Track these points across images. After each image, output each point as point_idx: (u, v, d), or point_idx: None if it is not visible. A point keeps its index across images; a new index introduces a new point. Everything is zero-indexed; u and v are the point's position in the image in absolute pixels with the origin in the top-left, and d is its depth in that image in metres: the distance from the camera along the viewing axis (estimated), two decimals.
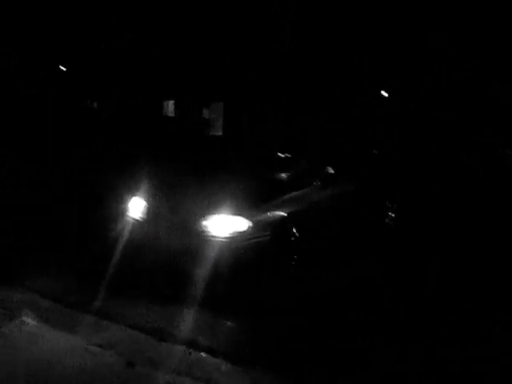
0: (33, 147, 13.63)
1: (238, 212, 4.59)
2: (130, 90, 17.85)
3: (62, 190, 9.03)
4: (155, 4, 16.22)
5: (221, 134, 17.93)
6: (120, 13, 16.45)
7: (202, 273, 4.38)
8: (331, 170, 5.81)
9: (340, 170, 5.92)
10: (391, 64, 15.81)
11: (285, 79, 15.33)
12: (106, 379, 3.06)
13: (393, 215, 7.04)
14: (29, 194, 8.43)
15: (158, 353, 3.37)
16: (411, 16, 15.23)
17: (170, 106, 20.25)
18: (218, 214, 4.59)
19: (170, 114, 20.19)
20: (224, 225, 4.53)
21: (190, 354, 3.36)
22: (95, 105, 19.58)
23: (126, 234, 4.95)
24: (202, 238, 4.50)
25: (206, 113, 19.36)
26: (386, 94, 16.55)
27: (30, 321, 3.74)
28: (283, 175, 5.75)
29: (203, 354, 3.36)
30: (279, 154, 6.27)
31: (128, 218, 5.07)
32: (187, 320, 3.94)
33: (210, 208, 4.64)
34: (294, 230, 5.07)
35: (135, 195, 5.21)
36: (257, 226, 4.58)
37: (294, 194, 5.25)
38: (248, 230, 4.52)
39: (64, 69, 18.05)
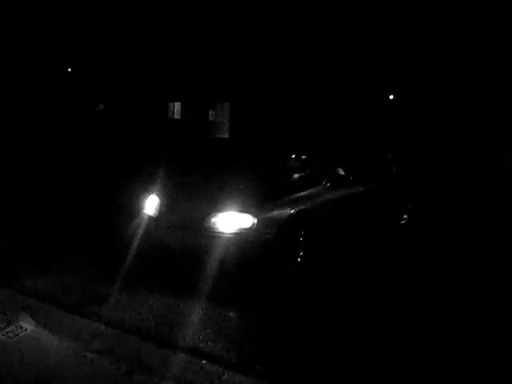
0: (33, 147, 13.65)
1: (244, 209, 4.84)
2: (135, 92, 17.87)
3: (62, 189, 9.04)
4: (159, 6, 16.23)
5: (227, 136, 17.98)
6: (125, 14, 16.46)
7: (209, 267, 4.66)
8: (342, 172, 5.86)
9: (350, 171, 5.96)
10: (391, 64, 15.81)
11: (286, 79, 15.33)
12: None
13: (407, 217, 7.06)
14: (29, 193, 8.44)
15: (158, 360, 3.29)
16: (411, 16, 15.24)
17: (176, 108, 20.23)
18: (225, 211, 4.87)
19: (177, 117, 20.18)
20: (230, 221, 4.79)
21: (190, 362, 3.28)
22: (101, 106, 19.60)
23: (141, 229, 5.32)
24: (209, 233, 4.80)
25: (212, 114, 19.36)
26: (391, 97, 16.54)
27: (27, 326, 3.68)
28: (291, 175, 5.92)
29: (204, 362, 3.28)
30: (292, 156, 6.43)
31: (143, 215, 5.43)
32: (188, 323, 3.89)
33: (217, 205, 4.95)
34: (300, 229, 5.19)
35: (151, 193, 5.57)
36: (262, 223, 4.80)
37: (300, 193, 5.35)
38: (253, 226, 4.76)
39: (66, 69, 18.06)
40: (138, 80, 17.42)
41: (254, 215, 4.79)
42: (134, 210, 5.67)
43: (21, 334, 3.58)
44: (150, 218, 5.32)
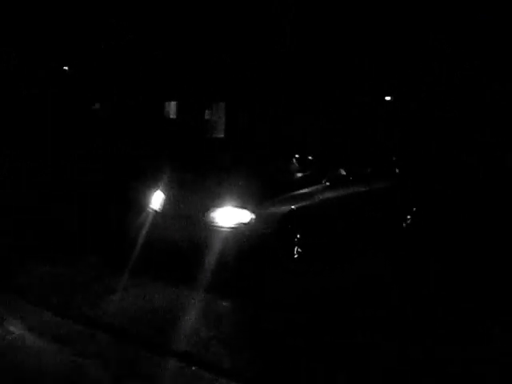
0: (33, 147, 13.64)
1: (243, 205, 5.08)
2: (131, 91, 17.83)
3: (62, 189, 9.04)
4: (156, 4, 16.21)
5: (223, 135, 17.97)
6: (121, 13, 16.44)
7: (209, 259, 4.88)
8: (343, 172, 5.98)
9: (351, 172, 6.08)
10: (391, 64, 15.81)
11: (286, 79, 15.33)
12: None
13: (410, 218, 7.05)
14: (29, 193, 8.44)
15: (149, 366, 3.22)
16: (411, 16, 15.23)
17: (172, 108, 20.16)
18: (224, 206, 5.12)
19: (172, 116, 20.12)
20: (229, 216, 5.05)
21: (182, 368, 3.21)
22: (97, 105, 19.55)
23: (147, 223, 5.60)
24: (209, 227, 5.07)
25: (208, 114, 19.31)
26: (391, 97, 16.54)
27: (15, 329, 3.63)
28: (291, 174, 6.06)
29: (195, 368, 3.18)
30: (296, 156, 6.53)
31: (149, 210, 5.72)
32: (180, 327, 3.80)
33: (217, 201, 5.20)
34: (297, 226, 5.30)
35: (157, 189, 5.85)
36: (259, 218, 5.03)
37: (299, 191, 5.50)
38: (251, 221, 5.00)
39: (65, 68, 18.02)
40: (134, 79, 17.37)
41: (252, 211, 5.01)
42: (141, 205, 5.96)
43: (9, 338, 3.53)
44: (156, 212, 5.61)
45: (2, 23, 15.52)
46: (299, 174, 5.99)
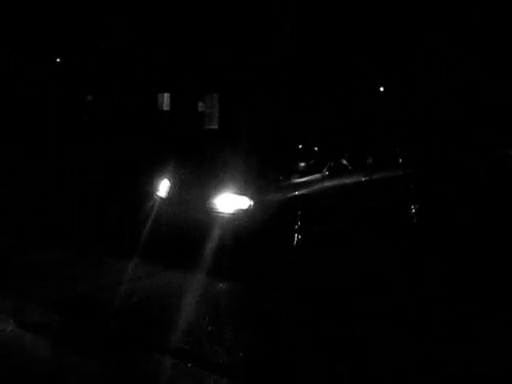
0: (33, 147, 13.64)
1: (242, 192, 5.30)
2: (123, 82, 17.72)
3: (62, 189, 9.04)
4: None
5: (217, 127, 17.97)
6: (114, 5, 16.37)
7: (210, 244, 5.11)
8: (345, 162, 6.12)
9: (353, 162, 6.22)
10: (391, 64, 15.80)
11: (285, 79, 15.33)
12: None
13: (415, 211, 7.06)
14: (29, 193, 8.44)
15: (146, 361, 3.19)
16: (411, 16, 15.23)
17: (165, 99, 20.01)
18: (224, 193, 5.34)
19: (166, 108, 20.00)
20: (229, 202, 5.27)
21: (175, 365, 3.16)
22: (89, 97, 19.42)
23: (154, 208, 5.94)
24: (210, 213, 5.31)
25: (202, 106, 19.21)
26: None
27: (6, 327, 3.62)
28: (291, 162, 6.19)
29: (190, 365, 3.14)
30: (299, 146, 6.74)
31: (156, 197, 6.02)
32: (175, 324, 3.73)
33: (218, 188, 5.42)
34: (295, 212, 5.50)
35: (164, 177, 6.12)
36: (258, 205, 5.25)
37: (298, 180, 5.67)
38: (249, 208, 5.21)
39: (57, 60, 17.93)
40: (127, 69, 17.31)
41: (251, 198, 5.23)
42: (150, 192, 6.30)
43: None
44: (162, 199, 5.91)
45: (2, 23, 15.52)
46: (301, 164, 6.13)
